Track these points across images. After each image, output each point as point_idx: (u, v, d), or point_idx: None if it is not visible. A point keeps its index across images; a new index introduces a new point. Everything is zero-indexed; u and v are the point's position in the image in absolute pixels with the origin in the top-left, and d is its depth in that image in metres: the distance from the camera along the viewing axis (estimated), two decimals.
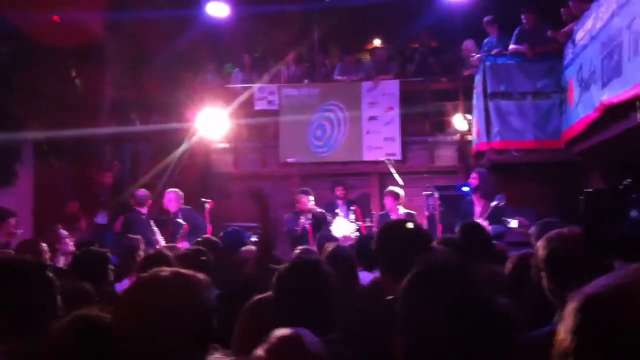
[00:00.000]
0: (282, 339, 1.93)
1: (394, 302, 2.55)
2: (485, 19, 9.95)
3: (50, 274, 2.57)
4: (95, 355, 1.83)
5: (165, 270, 1.83)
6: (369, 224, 9.21)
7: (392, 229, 2.72)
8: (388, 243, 2.67)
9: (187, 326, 1.71)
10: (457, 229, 5.11)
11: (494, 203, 7.52)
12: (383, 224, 2.88)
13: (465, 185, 9.70)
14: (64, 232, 5.92)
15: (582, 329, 1.09)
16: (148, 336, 1.69)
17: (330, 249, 4.20)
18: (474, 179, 7.84)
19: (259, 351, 1.90)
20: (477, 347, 1.49)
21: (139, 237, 5.95)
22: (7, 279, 2.52)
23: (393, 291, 2.58)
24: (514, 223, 7.02)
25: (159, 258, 3.72)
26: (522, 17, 9.22)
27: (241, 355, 2.12)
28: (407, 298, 1.63)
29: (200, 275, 1.85)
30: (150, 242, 7.55)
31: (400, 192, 8.64)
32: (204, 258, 3.88)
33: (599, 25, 6.69)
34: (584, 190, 2.42)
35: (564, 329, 1.13)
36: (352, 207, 9.32)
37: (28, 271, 2.54)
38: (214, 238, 4.83)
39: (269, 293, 2.68)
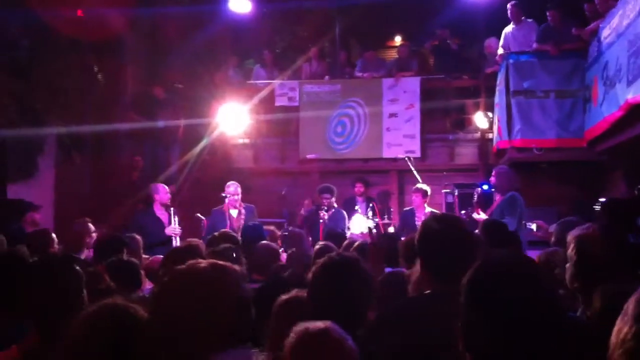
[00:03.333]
0: (312, 332, 1.92)
1: (429, 296, 2.54)
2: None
3: (78, 269, 2.58)
4: (121, 343, 1.84)
5: (203, 262, 1.82)
6: (387, 221, 9.16)
7: (436, 226, 2.65)
8: (430, 239, 2.60)
9: (225, 316, 1.70)
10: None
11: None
12: (427, 219, 2.80)
13: (485, 184, 9.63)
14: (92, 226, 5.94)
15: None
16: (186, 326, 1.68)
17: (356, 244, 4.19)
18: (492, 176, 7.76)
19: (288, 342, 1.90)
20: (541, 348, 1.47)
21: (138, 237, 5.94)
22: (33, 273, 2.53)
23: (431, 287, 2.56)
24: (533, 226, 7.00)
25: (188, 251, 3.70)
26: (547, 14, 9.13)
27: (272, 352, 2.12)
28: (471, 293, 1.59)
29: (236, 267, 1.85)
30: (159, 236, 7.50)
31: (428, 190, 8.61)
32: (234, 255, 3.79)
33: (625, 22, 6.60)
34: (600, 200, 2.42)
35: (623, 319, 1.21)
36: (371, 204, 9.28)
37: (55, 266, 2.56)
38: (232, 232, 4.82)
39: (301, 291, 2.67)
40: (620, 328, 1.20)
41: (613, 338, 1.22)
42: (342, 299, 2.45)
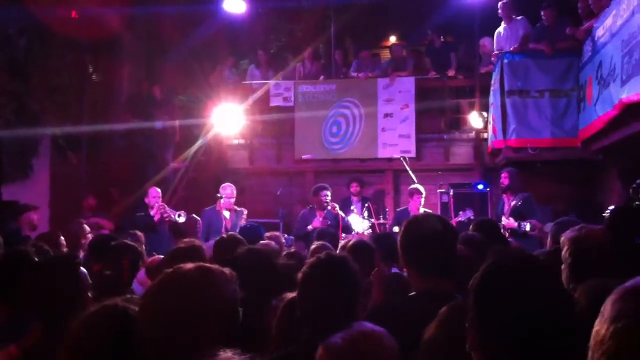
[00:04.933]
0: (363, 333, 1.93)
1: (417, 297, 2.56)
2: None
3: (82, 269, 2.60)
4: (120, 344, 1.85)
5: (189, 265, 1.83)
6: (382, 221, 9.18)
7: (420, 224, 2.68)
8: (415, 238, 2.63)
9: (210, 320, 1.72)
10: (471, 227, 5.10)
11: (513, 202, 7.57)
12: (412, 218, 2.83)
13: (480, 183, 9.67)
14: (87, 228, 5.97)
15: (621, 315, 1.17)
16: (171, 331, 1.70)
17: (351, 242, 4.19)
18: (505, 178, 7.89)
19: (337, 340, 1.90)
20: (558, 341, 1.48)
21: (140, 233, 6.01)
22: (38, 272, 2.55)
23: (417, 286, 2.58)
24: (527, 227, 7.11)
25: (191, 250, 3.71)
26: (542, 13, 9.16)
27: (274, 352, 2.13)
28: (483, 292, 1.59)
29: (226, 270, 1.86)
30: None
31: (423, 190, 8.70)
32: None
33: (619, 22, 6.63)
34: (609, 209, 2.45)
35: (601, 320, 1.20)
36: (366, 204, 9.29)
37: (59, 265, 2.57)
38: (238, 235, 4.81)
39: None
40: (599, 330, 1.20)
41: (592, 340, 1.22)
42: (330, 298, 2.46)
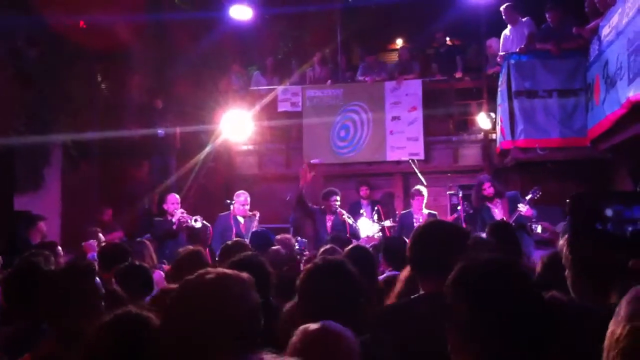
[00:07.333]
0: (317, 330, 1.96)
1: (423, 298, 2.57)
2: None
3: (97, 278, 2.63)
4: (133, 351, 1.87)
5: (211, 272, 1.85)
6: (392, 224, 9.19)
7: (430, 229, 2.70)
8: (424, 242, 2.65)
9: (231, 327, 1.74)
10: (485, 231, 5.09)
11: (529, 196, 7.56)
12: (425, 222, 2.86)
13: None
14: (102, 236, 6.03)
15: (636, 314, 1.20)
16: (193, 338, 1.72)
17: (348, 248, 4.20)
18: (489, 187, 7.89)
19: (294, 340, 1.93)
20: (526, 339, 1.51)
21: (148, 242, 6.04)
22: (55, 281, 2.58)
23: (424, 288, 2.60)
24: (539, 229, 7.09)
25: (192, 257, 3.73)
26: (547, 14, 9.16)
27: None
28: (454, 293, 1.63)
29: (244, 275, 1.88)
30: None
31: (425, 191, 8.69)
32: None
33: (625, 20, 6.63)
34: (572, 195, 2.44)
35: (616, 320, 1.23)
36: (376, 208, 9.31)
37: (77, 275, 2.61)
38: (244, 240, 4.85)
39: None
40: (614, 330, 1.22)
41: (607, 341, 1.24)
42: (328, 301, 2.49)
